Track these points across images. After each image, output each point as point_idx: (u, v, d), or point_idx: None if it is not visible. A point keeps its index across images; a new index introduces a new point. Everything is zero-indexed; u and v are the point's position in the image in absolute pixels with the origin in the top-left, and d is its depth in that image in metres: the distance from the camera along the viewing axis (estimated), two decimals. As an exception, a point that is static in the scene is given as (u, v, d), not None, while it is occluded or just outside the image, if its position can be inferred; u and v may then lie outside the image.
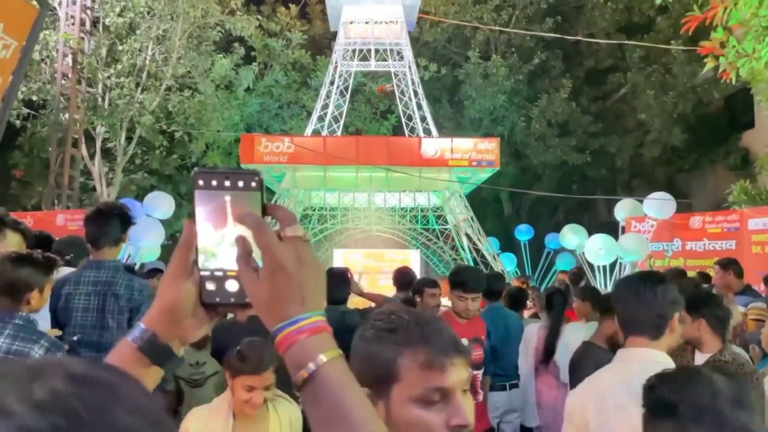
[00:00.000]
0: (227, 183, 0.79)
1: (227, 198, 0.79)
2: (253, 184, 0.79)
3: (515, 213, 25.53)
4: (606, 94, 24.20)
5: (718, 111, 21.21)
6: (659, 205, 10.20)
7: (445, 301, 8.84)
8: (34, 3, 3.20)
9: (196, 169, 0.82)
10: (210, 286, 0.81)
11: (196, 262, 0.81)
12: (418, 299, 4.88)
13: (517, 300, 5.92)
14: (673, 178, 22.47)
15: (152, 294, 3.37)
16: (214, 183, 0.79)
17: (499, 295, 5.36)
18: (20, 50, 3.14)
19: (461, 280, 4.07)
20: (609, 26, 22.85)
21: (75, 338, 3.21)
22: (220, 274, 0.80)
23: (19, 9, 3.17)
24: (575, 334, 4.41)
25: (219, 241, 0.80)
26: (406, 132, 19.25)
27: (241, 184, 0.79)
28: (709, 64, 5.49)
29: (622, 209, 11.32)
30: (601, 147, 23.04)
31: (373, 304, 5.18)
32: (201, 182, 0.79)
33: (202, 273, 0.81)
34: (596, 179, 24.97)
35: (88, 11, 15.27)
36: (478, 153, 15.51)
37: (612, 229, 13.07)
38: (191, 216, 0.80)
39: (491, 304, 5.14)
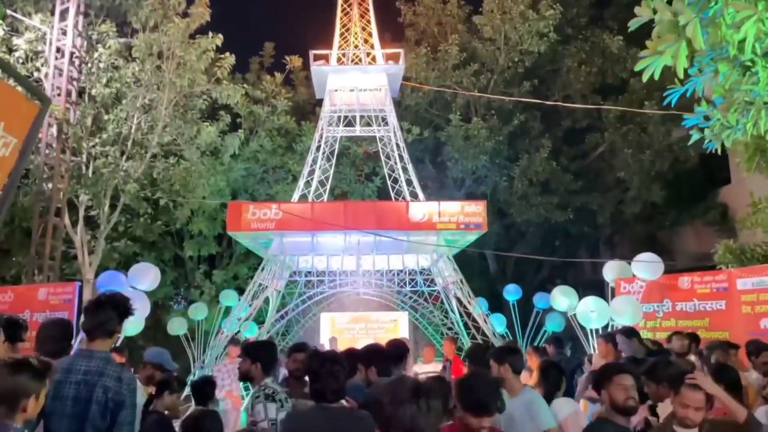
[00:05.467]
0: None
1: None
2: None
3: (501, 270, 25.55)
4: (585, 153, 24.73)
5: (695, 168, 21.75)
6: (647, 266, 10.26)
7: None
8: (36, 101, 3.21)
9: None
10: None
11: None
12: None
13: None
14: (655, 234, 22.78)
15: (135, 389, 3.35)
16: None
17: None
18: (20, 147, 3.12)
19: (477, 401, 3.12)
20: (584, 88, 23.59)
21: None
22: None
23: (20, 106, 3.16)
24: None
25: None
26: (392, 194, 19.39)
27: None
28: (695, 135, 5.59)
29: (610, 270, 11.36)
30: (583, 205, 23.37)
31: None
32: None
33: None
34: (579, 236, 25.20)
35: (75, 82, 15.40)
36: (465, 216, 15.58)
37: (598, 287, 13.09)
38: None
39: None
